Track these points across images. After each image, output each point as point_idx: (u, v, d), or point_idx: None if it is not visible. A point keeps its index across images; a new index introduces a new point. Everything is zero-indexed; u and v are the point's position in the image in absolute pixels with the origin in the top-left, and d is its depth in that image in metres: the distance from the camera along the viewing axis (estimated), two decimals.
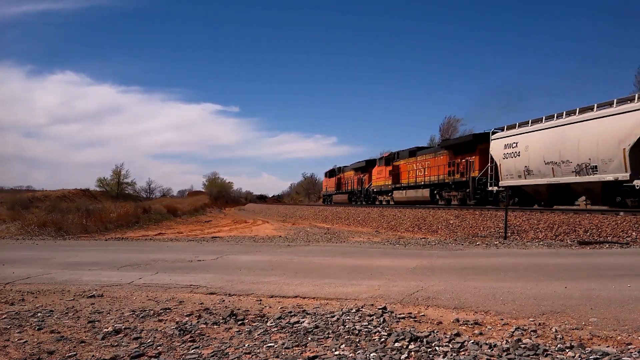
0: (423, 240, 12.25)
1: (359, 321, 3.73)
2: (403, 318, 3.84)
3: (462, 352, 2.98)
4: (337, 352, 3.02)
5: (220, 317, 3.93)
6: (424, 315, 3.94)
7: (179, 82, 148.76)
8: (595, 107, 13.68)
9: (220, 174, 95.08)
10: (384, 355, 2.94)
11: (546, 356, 2.87)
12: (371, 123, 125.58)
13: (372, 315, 3.90)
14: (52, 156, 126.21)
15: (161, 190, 72.04)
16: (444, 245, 10.57)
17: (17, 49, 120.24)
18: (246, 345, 3.21)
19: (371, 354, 2.96)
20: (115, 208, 22.92)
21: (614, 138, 12.61)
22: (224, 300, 4.68)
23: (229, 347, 3.18)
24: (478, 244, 10.67)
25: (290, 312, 4.09)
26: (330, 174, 44.26)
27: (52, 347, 3.19)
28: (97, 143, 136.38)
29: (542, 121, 15.66)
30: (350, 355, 2.97)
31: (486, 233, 12.90)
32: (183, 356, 3.01)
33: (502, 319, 3.74)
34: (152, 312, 4.16)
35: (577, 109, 14.37)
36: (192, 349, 3.15)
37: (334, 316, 3.90)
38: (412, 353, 2.99)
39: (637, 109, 12.08)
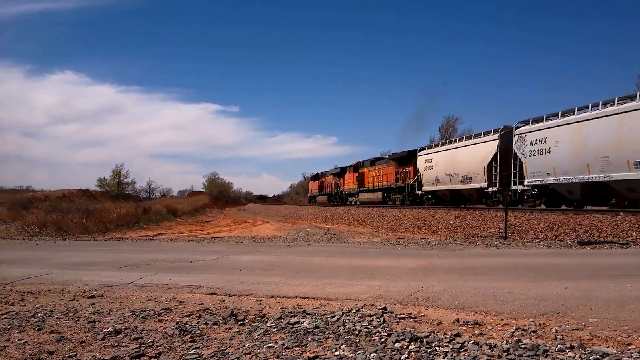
0: (423, 240, 12.26)
1: (359, 321, 3.73)
2: (403, 318, 3.84)
3: (462, 353, 2.98)
4: (337, 353, 3.02)
5: (221, 318, 3.93)
6: (424, 315, 3.94)
7: (178, 82, 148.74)
8: (473, 136, 20.33)
9: (220, 174, 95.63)
10: (384, 356, 2.94)
11: (546, 356, 2.87)
12: (371, 123, 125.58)
13: (372, 315, 3.90)
14: (51, 156, 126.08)
15: (161, 191, 72.04)
16: (444, 245, 10.57)
17: (16, 48, 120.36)
18: (246, 345, 3.21)
19: (371, 354, 2.96)
20: (115, 208, 22.92)
21: (479, 159, 18.93)
22: (224, 301, 4.68)
23: (229, 347, 3.18)
24: (478, 244, 10.67)
25: (291, 312, 4.09)
26: (315, 177, 49.51)
27: (52, 348, 3.19)
28: (97, 143, 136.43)
29: (446, 144, 22.69)
30: (350, 355, 2.97)
31: (486, 233, 12.91)
32: (183, 356, 3.01)
33: (502, 319, 3.74)
34: (152, 312, 4.16)
35: (464, 136, 21.53)
36: (192, 349, 3.15)
37: (334, 316, 3.90)
38: (412, 353, 2.99)
39: (490, 140, 18.48)
